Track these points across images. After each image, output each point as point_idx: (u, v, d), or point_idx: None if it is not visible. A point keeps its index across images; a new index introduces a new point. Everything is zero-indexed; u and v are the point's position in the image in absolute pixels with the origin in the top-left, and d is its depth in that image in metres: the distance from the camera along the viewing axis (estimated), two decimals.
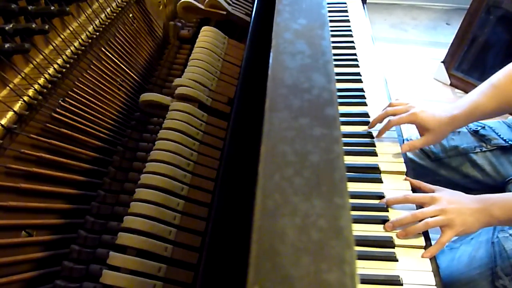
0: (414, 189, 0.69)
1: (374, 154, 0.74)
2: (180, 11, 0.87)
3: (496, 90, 0.69)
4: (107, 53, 0.70)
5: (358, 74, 0.92)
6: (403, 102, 0.75)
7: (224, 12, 0.84)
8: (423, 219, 0.60)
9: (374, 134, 0.77)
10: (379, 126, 0.76)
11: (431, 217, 0.60)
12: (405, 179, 0.70)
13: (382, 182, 0.69)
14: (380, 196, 0.66)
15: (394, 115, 0.73)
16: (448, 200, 0.61)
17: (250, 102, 0.52)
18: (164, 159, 0.54)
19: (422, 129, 0.71)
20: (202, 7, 0.85)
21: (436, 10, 2.68)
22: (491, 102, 0.69)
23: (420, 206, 0.64)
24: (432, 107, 0.71)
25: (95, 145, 0.63)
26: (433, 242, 0.61)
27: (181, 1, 0.85)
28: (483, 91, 0.70)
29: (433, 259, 0.59)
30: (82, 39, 0.63)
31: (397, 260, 0.58)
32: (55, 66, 0.56)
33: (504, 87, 0.68)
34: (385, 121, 0.74)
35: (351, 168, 0.71)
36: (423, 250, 0.59)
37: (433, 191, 0.65)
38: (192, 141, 0.58)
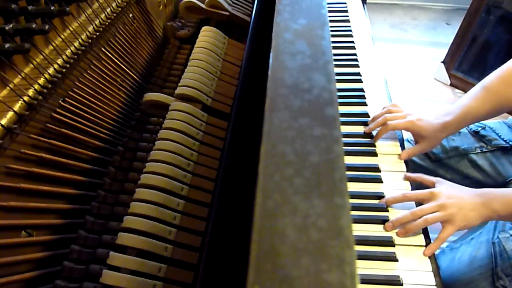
0: (416, 186, 0.68)
1: (374, 154, 0.74)
2: (182, 11, 0.87)
3: (488, 93, 0.69)
4: (107, 53, 0.70)
5: (358, 74, 0.92)
6: (400, 109, 0.76)
7: (227, 13, 0.84)
8: (422, 216, 0.60)
9: (374, 134, 0.77)
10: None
11: (430, 213, 0.60)
12: (405, 175, 0.70)
13: (382, 182, 0.69)
14: (380, 196, 0.66)
15: (391, 120, 0.74)
16: (448, 195, 0.60)
17: (250, 102, 0.52)
18: (164, 159, 0.54)
19: (418, 137, 0.73)
20: (204, 7, 0.85)
21: (436, 10, 2.68)
22: (484, 105, 0.69)
23: (421, 203, 0.63)
24: (428, 114, 0.72)
25: (95, 145, 0.63)
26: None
27: (183, 1, 0.85)
28: (474, 95, 0.70)
29: (433, 259, 0.59)
30: (82, 39, 0.63)
31: (397, 260, 0.58)
32: (55, 66, 0.56)
33: (496, 89, 0.68)
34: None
35: (351, 168, 0.71)
36: (423, 249, 0.59)
37: (433, 183, 0.65)
38: (192, 141, 0.58)
